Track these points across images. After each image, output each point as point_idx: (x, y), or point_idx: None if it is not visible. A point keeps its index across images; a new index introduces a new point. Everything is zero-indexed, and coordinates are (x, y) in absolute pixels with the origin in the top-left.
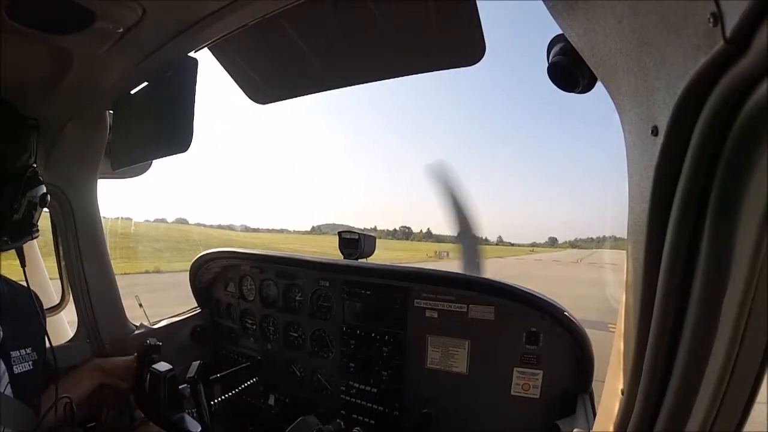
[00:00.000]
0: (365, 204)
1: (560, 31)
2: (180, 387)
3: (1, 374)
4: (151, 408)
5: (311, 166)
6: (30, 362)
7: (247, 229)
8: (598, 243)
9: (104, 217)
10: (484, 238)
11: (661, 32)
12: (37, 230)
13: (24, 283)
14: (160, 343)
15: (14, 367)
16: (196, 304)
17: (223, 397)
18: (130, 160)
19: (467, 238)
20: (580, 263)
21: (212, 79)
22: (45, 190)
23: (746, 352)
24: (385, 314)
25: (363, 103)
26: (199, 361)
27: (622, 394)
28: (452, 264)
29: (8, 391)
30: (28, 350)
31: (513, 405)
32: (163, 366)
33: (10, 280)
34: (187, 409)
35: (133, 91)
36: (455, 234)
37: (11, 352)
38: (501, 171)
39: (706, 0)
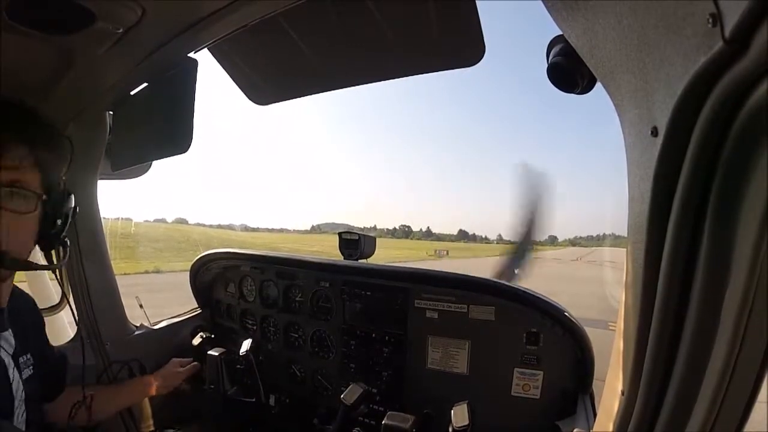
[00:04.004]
0: (365, 203)
1: (560, 32)
2: (237, 366)
3: (17, 380)
4: (211, 386)
5: (311, 166)
6: (31, 367)
7: (246, 228)
8: (598, 241)
9: (104, 218)
10: (484, 236)
11: (661, 32)
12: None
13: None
14: (213, 336)
15: (22, 372)
16: (196, 305)
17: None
18: (130, 160)
19: (524, 249)
20: (580, 261)
21: (212, 79)
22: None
23: (746, 352)
24: (386, 315)
25: (363, 103)
26: (249, 339)
27: (623, 394)
28: (451, 263)
29: (22, 397)
30: (28, 356)
31: (513, 405)
32: (217, 350)
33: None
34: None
35: (132, 92)
36: (517, 239)
37: (19, 358)
38: (501, 170)
39: (706, 0)
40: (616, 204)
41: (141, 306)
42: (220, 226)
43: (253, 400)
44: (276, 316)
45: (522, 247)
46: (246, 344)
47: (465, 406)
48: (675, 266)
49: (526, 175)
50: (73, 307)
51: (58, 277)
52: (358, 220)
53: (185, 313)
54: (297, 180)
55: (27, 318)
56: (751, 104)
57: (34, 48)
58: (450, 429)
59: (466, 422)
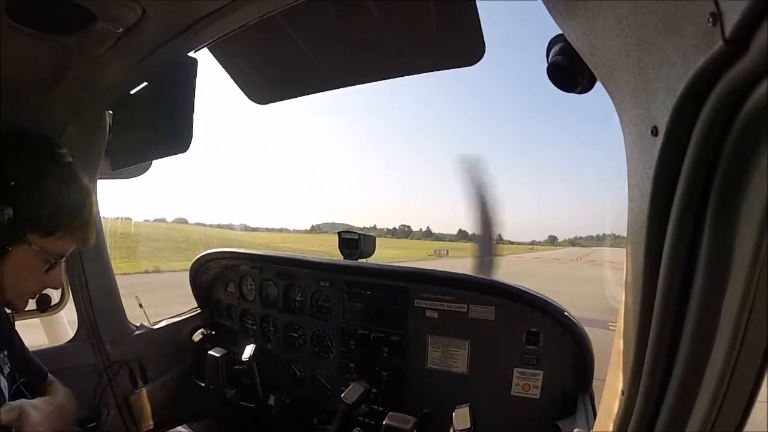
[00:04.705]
0: (365, 203)
1: (560, 31)
2: (236, 367)
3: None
4: (210, 385)
5: (311, 166)
6: (8, 365)
7: (246, 228)
8: (598, 241)
9: (104, 218)
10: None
11: (661, 32)
12: None
13: None
14: (214, 332)
15: (3, 368)
16: (196, 304)
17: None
18: (130, 160)
19: (486, 238)
20: (580, 261)
21: (212, 79)
22: None
23: (746, 352)
24: (386, 314)
25: (364, 103)
26: (253, 345)
27: (623, 394)
28: (451, 262)
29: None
30: (6, 352)
31: (513, 405)
32: (219, 351)
33: None
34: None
35: (132, 92)
36: (475, 232)
37: None
38: (500, 170)
39: (706, 0)
40: (616, 204)
41: (141, 305)
42: (219, 226)
43: (253, 405)
44: (276, 316)
45: (485, 237)
46: (249, 349)
47: (467, 409)
48: (675, 266)
49: (469, 167)
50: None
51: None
52: (358, 219)
53: (185, 312)
54: (297, 180)
55: None
56: (751, 104)
57: (34, 48)
58: (451, 431)
59: (468, 425)
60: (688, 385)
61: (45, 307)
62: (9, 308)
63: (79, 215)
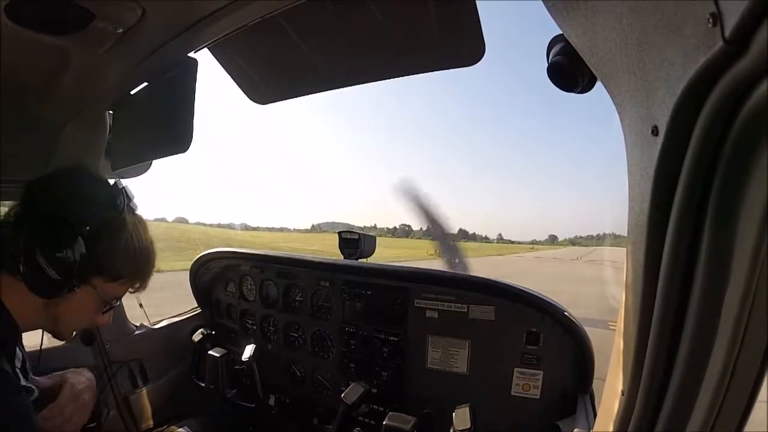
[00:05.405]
0: (366, 202)
1: (560, 31)
2: (236, 367)
3: None
4: (210, 385)
5: (311, 165)
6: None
7: (246, 227)
8: (598, 240)
9: None
10: (484, 236)
11: (661, 32)
12: None
13: None
14: (214, 332)
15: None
16: (196, 304)
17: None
18: (130, 160)
19: (444, 240)
20: (580, 260)
21: (212, 79)
22: None
23: (746, 352)
24: (386, 314)
25: (364, 103)
26: (253, 345)
27: (623, 394)
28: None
29: None
30: (18, 366)
31: (513, 405)
32: (218, 351)
33: None
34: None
35: (132, 92)
36: (432, 239)
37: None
38: (499, 170)
39: (706, 0)
40: (616, 203)
41: (141, 305)
42: (220, 225)
43: (253, 405)
44: (276, 316)
45: (445, 244)
46: (249, 350)
47: (467, 409)
48: (675, 266)
49: (404, 187)
50: None
51: None
52: (359, 219)
53: (185, 312)
54: (297, 179)
55: None
56: (751, 104)
57: (33, 48)
58: (451, 431)
59: (468, 425)
60: (688, 385)
61: (90, 341)
62: (56, 337)
63: (145, 265)
